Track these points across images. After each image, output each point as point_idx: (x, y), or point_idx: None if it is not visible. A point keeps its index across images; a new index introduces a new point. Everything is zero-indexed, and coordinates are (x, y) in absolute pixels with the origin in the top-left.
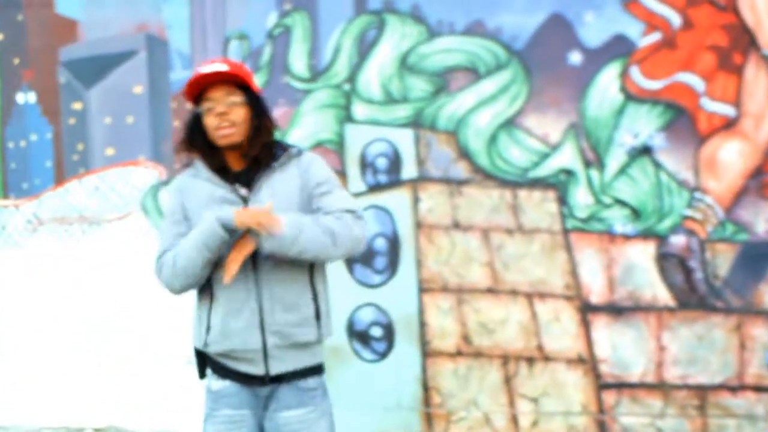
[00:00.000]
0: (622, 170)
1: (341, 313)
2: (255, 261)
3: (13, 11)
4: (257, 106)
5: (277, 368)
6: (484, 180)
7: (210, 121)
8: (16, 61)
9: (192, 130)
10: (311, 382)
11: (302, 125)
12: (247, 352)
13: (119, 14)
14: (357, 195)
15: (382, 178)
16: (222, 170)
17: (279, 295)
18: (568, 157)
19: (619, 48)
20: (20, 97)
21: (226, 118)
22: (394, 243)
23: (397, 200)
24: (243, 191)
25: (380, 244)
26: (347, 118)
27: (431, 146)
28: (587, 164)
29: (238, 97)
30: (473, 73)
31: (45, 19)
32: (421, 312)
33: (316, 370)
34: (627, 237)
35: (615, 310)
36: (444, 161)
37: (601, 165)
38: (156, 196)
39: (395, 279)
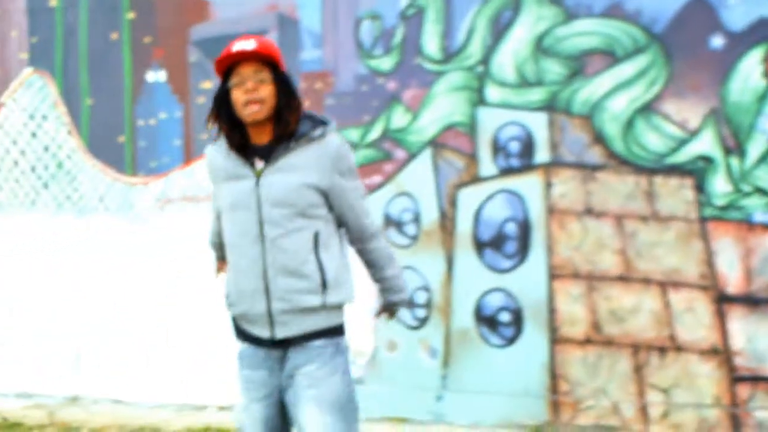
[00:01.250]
0: (764, 158)
1: (469, 297)
2: (262, 230)
3: None
4: (284, 85)
5: (282, 332)
6: (618, 166)
7: (238, 96)
8: (147, 39)
9: (219, 104)
10: (320, 341)
11: (434, 107)
12: (255, 316)
13: None
14: (488, 179)
15: (514, 162)
16: (243, 146)
17: (282, 263)
18: (707, 143)
19: (763, 31)
20: (150, 76)
21: (254, 95)
22: (524, 228)
23: (528, 185)
24: (260, 165)
25: (510, 228)
26: (480, 100)
27: (565, 130)
28: (727, 151)
29: (266, 75)
30: (610, 56)
31: None
32: (551, 298)
33: (327, 332)
34: (766, 226)
35: (752, 302)
36: (578, 146)
37: (741, 152)
38: None
39: (525, 264)
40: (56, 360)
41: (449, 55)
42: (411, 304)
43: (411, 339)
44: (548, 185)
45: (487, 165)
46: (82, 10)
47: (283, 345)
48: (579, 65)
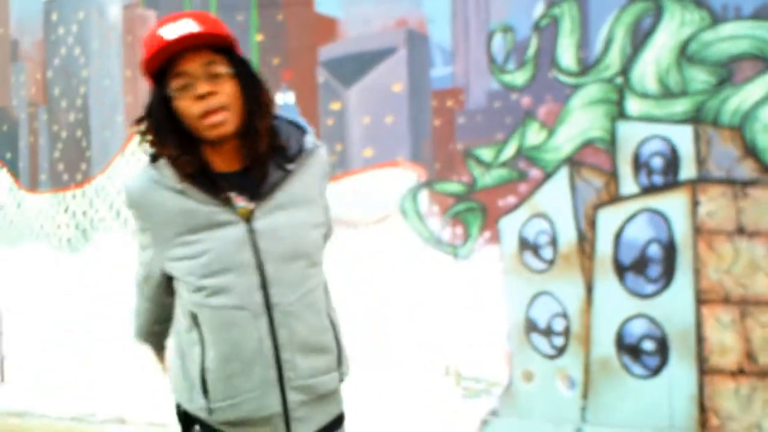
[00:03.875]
0: None
1: (610, 324)
2: (267, 298)
3: (272, 11)
4: (248, 77)
5: (302, 430)
6: None
7: (188, 107)
8: (276, 61)
9: (156, 118)
10: None
11: (571, 122)
12: (262, 420)
13: (378, 10)
14: (629, 197)
15: (658, 179)
16: (201, 175)
17: (302, 338)
18: None
19: None
20: (279, 98)
21: (213, 100)
22: (669, 250)
23: (673, 203)
24: (242, 202)
25: (654, 250)
26: (620, 114)
27: (713, 143)
28: None
29: (222, 67)
30: (762, 61)
31: (304, 18)
32: (699, 325)
33: (342, 419)
34: None
35: None
36: (727, 160)
37: None
38: (416, 198)
39: (670, 289)
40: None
41: (586, 66)
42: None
43: (548, 369)
44: (695, 203)
45: (628, 183)
46: None
47: None
48: (727, 72)
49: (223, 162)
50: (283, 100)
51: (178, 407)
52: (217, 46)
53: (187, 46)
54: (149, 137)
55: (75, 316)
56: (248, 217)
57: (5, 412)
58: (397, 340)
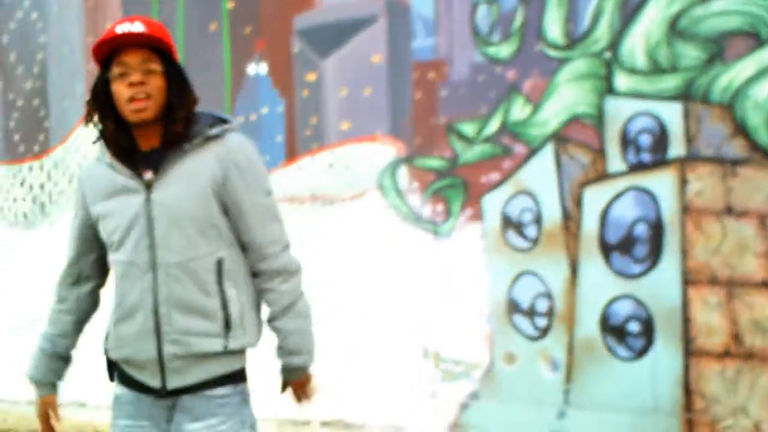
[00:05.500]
0: None
1: (595, 305)
2: (154, 257)
3: None
4: (177, 78)
5: (175, 382)
6: (762, 159)
7: (121, 91)
8: (248, 30)
9: (97, 99)
10: (223, 389)
11: (557, 97)
12: (142, 362)
13: None
14: (617, 175)
15: (646, 157)
16: (129, 151)
17: (178, 297)
18: None
19: None
20: (251, 69)
21: (141, 89)
22: (656, 229)
23: (661, 182)
24: (148, 175)
25: (641, 230)
26: (608, 89)
27: (702, 121)
28: None
29: (156, 65)
30: (754, 38)
31: None
32: (685, 306)
33: (230, 378)
34: None
35: None
36: (717, 138)
37: None
38: (394, 173)
39: (657, 269)
40: None
41: (573, 40)
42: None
43: (531, 350)
44: (683, 182)
45: (616, 160)
46: (179, 0)
47: (176, 393)
48: (718, 48)
49: (145, 142)
50: (255, 70)
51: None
52: (157, 48)
53: (131, 41)
54: (93, 114)
55: (31, 295)
56: (149, 187)
57: None
58: (374, 321)
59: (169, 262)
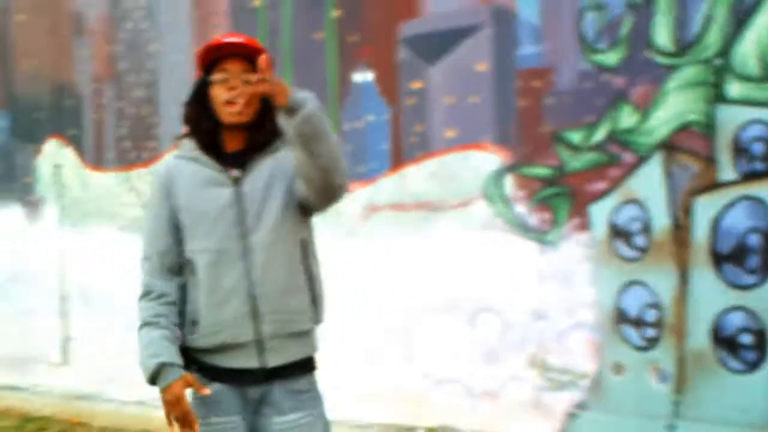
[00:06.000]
0: None
1: (706, 316)
2: (246, 243)
3: None
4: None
5: (274, 361)
6: None
7: (220, 94)
8: (354, 38)
9: (196, 99)
10: (304, 382)
11: (666, 105)
12: (239, 345)
13: None
14: (728, 184)
15: (759, 166)
16: (213, 150)
17: (272, 278)
18: None
19: None
20: (357, 76)
21: (240, 93)
22: None
23: None
24: (235, 172)
25: (754, 240)
26: (718, 97)
27: None
28: None
29: (253, 77)
30: None
31: None
32: None
33: (310, 365)
34: None
35: None
36: None
37: None
38: (500, 182)
39: None
40: None
41: (683, 46)
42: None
43: (639, 361)
44: None
45: (727, 169)
46: (285, 10)
47: (268, 378)
48: None
49: (231, 143)
50: (362, 78)
51: (184, 350)
52: (254, 61)
53: (234, 51)
54: (187, 109)
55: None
56: (236, 182)
57: (71, 395)
58: (481, 328)
59: (262, 248)
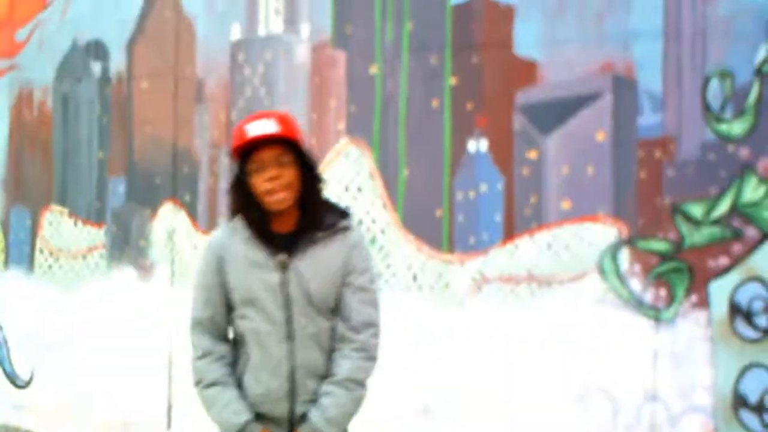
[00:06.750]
0: None
1: None
2: (291, 327)
3: (468, 53)
4: (308, 167)
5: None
6: None
7: (259, 184)
8: (470, 106)
9: (237, 189)
10: None
11: None
12: (274, 419)
13: (582, 53)
14: None
15: None
16: (263, 231)
17: (311, 364)
18: None
19: None
20: (471, 145)
21: (278, 182)
22: None
23: None
24: (282, 256)
25: None
26: None
27: None
28: None
29: (288, 157)
30: None
31: (502, 60)
32: None
33: None
34: None
35: None
36: None
37: None
38: (616, 256)
39: None
40: None
41: None
42: None
43: None
44: None
45: None
46: (403, 77)
47: None
48: None
49: (279, 225)
50: (476, 147)
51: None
52: (287, 140)
53: (264, 140)
54: (232, 199)
55: None
56: (284, 266)
57: None
58: (593, 405)
59: (304, 334)
